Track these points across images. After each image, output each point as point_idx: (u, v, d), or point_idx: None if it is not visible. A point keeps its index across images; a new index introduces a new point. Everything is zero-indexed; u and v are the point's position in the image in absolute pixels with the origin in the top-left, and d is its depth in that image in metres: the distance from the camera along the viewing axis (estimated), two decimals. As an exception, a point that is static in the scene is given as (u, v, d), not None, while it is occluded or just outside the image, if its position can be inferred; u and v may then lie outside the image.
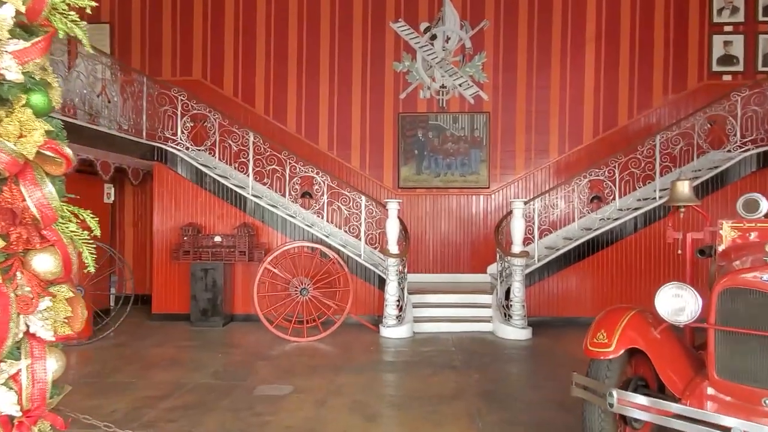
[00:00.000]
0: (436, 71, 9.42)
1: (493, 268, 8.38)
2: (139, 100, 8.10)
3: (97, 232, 1.72)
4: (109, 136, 7.12)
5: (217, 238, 7.90)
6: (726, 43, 9.17)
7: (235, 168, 8.74)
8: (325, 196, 8.40)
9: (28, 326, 1.61)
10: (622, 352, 2.85)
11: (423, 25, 9.42)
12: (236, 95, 9.63)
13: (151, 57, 9.69)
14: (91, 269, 1.72)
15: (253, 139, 8.46)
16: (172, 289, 8.09)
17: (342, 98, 9.53)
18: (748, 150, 7.86)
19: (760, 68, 9.03)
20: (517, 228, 7.31)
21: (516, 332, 7.04)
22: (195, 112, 8.48)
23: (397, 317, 7.26)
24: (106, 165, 7.49)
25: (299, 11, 9.54)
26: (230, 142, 8.59)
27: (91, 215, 1.74)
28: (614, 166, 8.24)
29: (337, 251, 7.70)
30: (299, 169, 8.48)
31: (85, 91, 6.82)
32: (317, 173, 8.47)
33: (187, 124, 8.47)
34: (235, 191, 8.17)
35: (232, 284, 8.11)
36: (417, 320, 7.45)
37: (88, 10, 1.70)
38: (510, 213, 7.48)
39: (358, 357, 6.16)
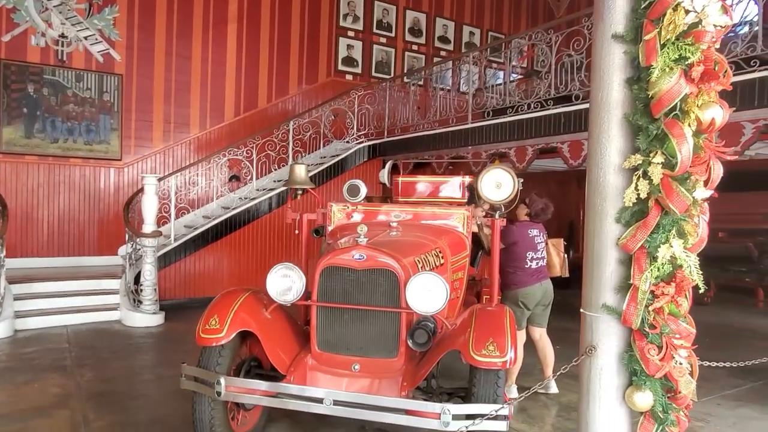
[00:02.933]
0: (53, 16, 7.85)
1: (124, 250, 7.59)
2: None
3: None
4: None
5: None
6: (349, 47, 10.44)
7: None
8: None
9: None
10: (233, 336, 2.81)
11: (35, -44, 7.72)
12: None
13: None
14: None
15: None
16: None
17: None
18: (362, 142, 9.15)
19: (374, 73, 10.61)
20: (149, 206, 6.76)
21: (146, 319, 6.53)
22: None
23: (-11, 314, 5.82)
24: None
25: None
26: None
27: None
28: (252, 147, 8.43)
29: None
30: None
31: None
32: None
33: None
34: None
35: None
36: (21, 315, 6.15)
37: None
38: (142, 189, 6.85)
39: None
